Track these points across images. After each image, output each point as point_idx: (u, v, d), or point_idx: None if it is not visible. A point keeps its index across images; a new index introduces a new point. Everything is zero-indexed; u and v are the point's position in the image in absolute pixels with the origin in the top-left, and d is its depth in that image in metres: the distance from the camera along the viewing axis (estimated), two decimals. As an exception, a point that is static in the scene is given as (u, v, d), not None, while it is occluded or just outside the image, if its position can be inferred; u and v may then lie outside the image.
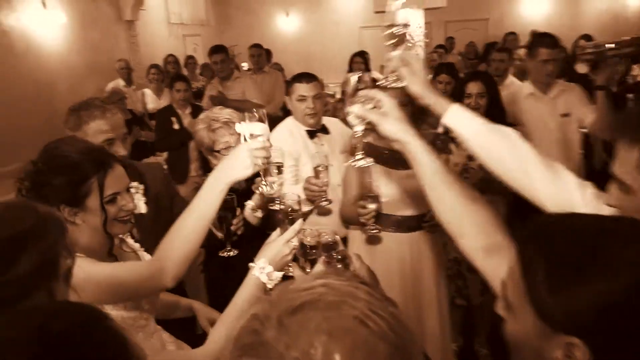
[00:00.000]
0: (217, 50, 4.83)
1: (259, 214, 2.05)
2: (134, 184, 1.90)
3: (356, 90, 1.28)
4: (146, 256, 1.58)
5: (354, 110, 1.27)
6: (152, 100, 5.76)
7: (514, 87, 3.83)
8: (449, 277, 2.72)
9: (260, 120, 1.35)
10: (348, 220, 2.40)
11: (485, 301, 2.86)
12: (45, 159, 1.32)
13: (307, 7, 11.32)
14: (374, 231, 2.09)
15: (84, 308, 0.74)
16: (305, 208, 1.72)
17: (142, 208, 1.97)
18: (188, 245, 1.37)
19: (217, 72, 4.89)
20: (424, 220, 2.30)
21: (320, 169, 2.03)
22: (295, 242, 1.33)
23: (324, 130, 2.63)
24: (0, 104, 4.62)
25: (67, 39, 5.94)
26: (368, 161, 1.38)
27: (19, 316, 0.71)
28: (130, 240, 1.60)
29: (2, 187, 1.88)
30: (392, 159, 2.17)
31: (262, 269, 1.29)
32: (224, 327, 1.28)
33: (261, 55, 5.83)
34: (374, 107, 1.25)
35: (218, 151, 2.19)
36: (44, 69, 5.48)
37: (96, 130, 1.83)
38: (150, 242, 1.66)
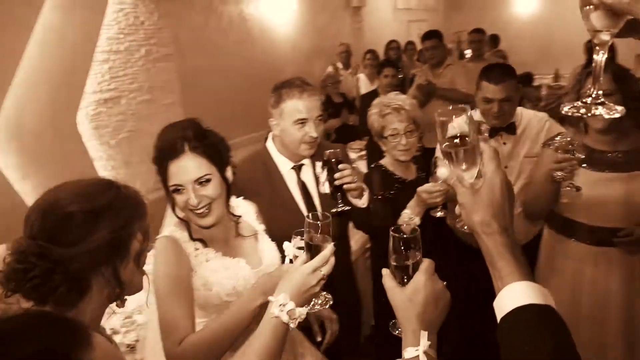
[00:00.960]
0: (430, 35, 4.62)
1: None
2: (319, 163, 1.91)
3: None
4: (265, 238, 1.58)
5: None
6: (365, 85, 5.88)
7: None
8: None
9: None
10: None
11: None
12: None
13: (549, -14, 10.14)
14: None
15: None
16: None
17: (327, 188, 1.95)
18: (220, 350, 1.29)
19: (428, 58, 4.69)
20: (617, 235, 1.98)
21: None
22: (324, 271, 1.10)
23: (510, 129, 2.28)
24: (238, 80, 5.25)
25: (297, 24, 6.43)
26: None
27: None
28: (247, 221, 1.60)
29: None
30: (596, 159, 1.99)
31: (283, 306, 1.08)
32: None
33: (481, 41, 5.41)
34: None
35: (386, 137, 2.12)
36: (275, 52, 6.04)
37: (292, 109, 1.85)
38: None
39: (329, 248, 1.14)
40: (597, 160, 2.02)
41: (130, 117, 4.11)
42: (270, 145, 1.94)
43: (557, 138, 2.01)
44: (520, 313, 0.70)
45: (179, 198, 1.39)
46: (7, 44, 3.08)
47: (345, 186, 1.71)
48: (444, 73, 4.50)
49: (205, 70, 4.84)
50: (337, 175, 1.70)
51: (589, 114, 0.84)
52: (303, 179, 1.95)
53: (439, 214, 1.95)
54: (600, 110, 0.84)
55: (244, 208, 1.64)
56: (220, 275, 1.40)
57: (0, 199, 3.07)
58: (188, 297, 1.33)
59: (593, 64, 0.80)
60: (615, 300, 2.02)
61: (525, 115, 2.38)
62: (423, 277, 0.97)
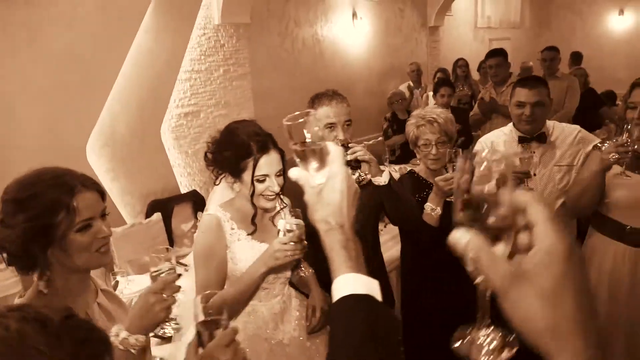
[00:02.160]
0: (493, 54, 4.67)
1: None
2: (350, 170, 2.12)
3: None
4: None
5: None
6: (433, 103, 5.98)
7: None
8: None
9: (297, 217, 1.53)
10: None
11: None
12: (224, 134, 1.67)
13: (646, 2, 9.56)
14: None
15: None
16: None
17: (367, 176, 2.06)
18: (232, 313, 1.52)
19: (491, 76, 4.72)
20: None
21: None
22: (166, 295, 1.16)
23: (541, 138, 2.36)
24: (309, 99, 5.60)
25: (370, 45, 6.68)
26: None
27: None
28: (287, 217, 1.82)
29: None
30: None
31: (117, 336, 1.12)
32: None
33: (554, 59, 5.29)
34: None
35: (419, 146, 2.29)
36: (347, 72, 6.34)
37: (322, 114, 2.04)
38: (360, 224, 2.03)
39: (168, 273, 1.21)
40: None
41: (207, 129, 4.57)
42: None
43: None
44: (341, 303, 0.74)
45: (261, 186, 1.63)
46: (107, 61, 3.63)
47: (360, 158, 1.86)
48: (507, 91, 4.50)
49: (278, 88, 5.24)
50: (349, 152, 1.85)
51: None
52: None
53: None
54: None
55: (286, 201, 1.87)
56: (246, 254, 1.65)
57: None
58: (219, 267, 1.62)
59: None
60: None
61: (557, 127, 2.45)
62: None
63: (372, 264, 2.23)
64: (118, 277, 2.54)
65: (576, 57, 7.29)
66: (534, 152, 2.37)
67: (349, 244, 0.79)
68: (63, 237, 1.17)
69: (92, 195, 1.25)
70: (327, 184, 0.81)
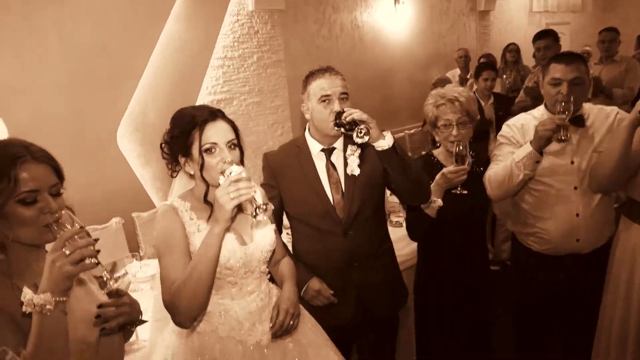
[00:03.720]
0: (541, 35, 4.35)
1: None
2: (353, 147, 1.97)
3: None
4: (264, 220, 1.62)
5: None
6: (474, 88, 5.68)
7: None
8: None
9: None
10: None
11: None
12: (172, 118, 1.56)
13: None
14: None
15: None
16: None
17: (355, 170, 1.99)
18: (198, 288, 1.40)
19: (540, 59, 4.40)
20: None
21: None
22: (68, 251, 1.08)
23: (578, 121, 2.11)
24: (349, 83, 5.46)
25: (413, 31, 6.43)
26: None
27: None
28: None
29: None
30: None
31: (24, 299, 1.08)
32: None
33: (613, 41, 4.87)
34: None
35: (439, 127, 2.14)
36: (388, 59, 6.13)
37: (316, 88, 1.92)
38: (358, 205, 1.94)
39: (72, 231, 1.13)
40: None
41: (240, 116, 4.55)
42: (306, 131, 2.05)
43: None
44: None
45: (211, 159, 1.48)
46: (136, 51, 3.67)
47: (356, 117, 1.69)
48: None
49: (313, 75, 5.14)
50: (345, 114, 1.71)
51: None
52: (334, 162, 2.00)
53: (459, 192, 2.11)
54: None
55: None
56: None
57: (123, 181, 3.66)
58: (181, 252, 1.47)
59: None
60: None
61: (594, 110, 2.20)
62: None
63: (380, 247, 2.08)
64: (127, 264, 2.54)
65: (640, 40, 6.72)
66: (570, 137, 2.13)
67: None
68: (3, 206, 1.13)
69: (40, 168, 1.20)
70: None
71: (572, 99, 1.99)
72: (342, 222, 1.96)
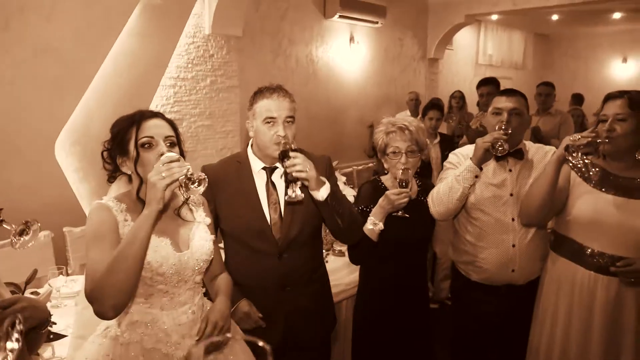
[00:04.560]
0: (485, 82, 4.61)
1: None
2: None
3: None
4: (203, 229, 1.62)
5: None
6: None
7: None
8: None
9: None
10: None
11: None
12: (112, 124, 1.54)
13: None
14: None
15: None
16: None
17: (299, 195, 1.95)
18: (124, 272, 1.32)
19: (482, 105, 4.63)
20: (616, 265, 1.95)
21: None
22: None
23: (518, 154, 2.21)
24: (299, 118, 5.50)
25: (367, 71, 6.64)
26: None
27: None
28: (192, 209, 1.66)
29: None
30: (609, 181, 2.01)
31: None
32: None
33: (549, 95, 5.22)
34: None
35: (388, 154, 2.16)
36: (340, 96, 6.27)
37: (262, 108, 1.89)
38: (297, 228, 1.91)
39: None
40: (609, 182, 2.01)
41: (189, 138, 4.46)
42: (249, 147, 2.02)
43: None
44: None
45: (147, 154, 1.43)
46: (85, 58, 3.55)
47: (295, 174, 1.68)
48: (496, 120, 4.41)
49: (266, 103, 5.16)
50: (287, 163, 1.69)
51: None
52: (274, 181, 1.96)
53: (401, 214, 2.13)
54: None
55: (193, 198, 1.67)
56: None
57: (56, 193, 3.46)
58: (111, 245, 1.37)
59: None
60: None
61: (533, 146, 2.33)
62: None
63: (315, 273, 2.05)
64: (51, 278, 2.37)
65: (577, 99, 7.24)
66: (511, 170, 2.23)
67: None
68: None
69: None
70: None
71: (510, 125, 2.11)
72: (278, 244, 1.91)
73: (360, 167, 6.09)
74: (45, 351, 1.86)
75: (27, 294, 1.96)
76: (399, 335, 2.22)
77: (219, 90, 4.65)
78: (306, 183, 1.72)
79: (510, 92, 2.26)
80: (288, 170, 1.70)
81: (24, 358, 1.29)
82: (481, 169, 2.15)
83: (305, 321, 1.97)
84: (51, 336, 1.82)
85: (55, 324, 1.88)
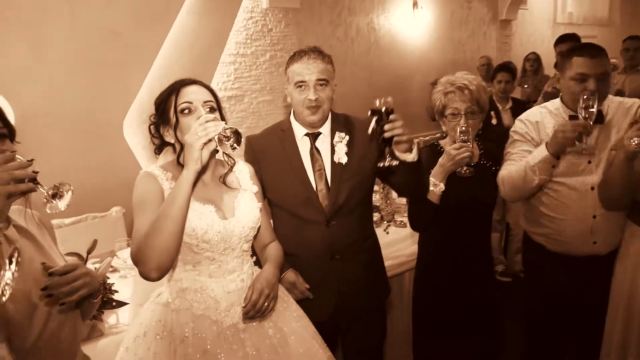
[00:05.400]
0: (564, 39, 4.19)
1: None
2: (341, 134, 1.91)
3: None
4: (249, 197, 1.58)
5: None
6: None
7: None
8: None
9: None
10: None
11: None
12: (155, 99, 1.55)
13: None
14: None
15: None
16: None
17: (343, 158, 1.91)
18: (166, 233, 1.31)
19: (559, 63, 4.25)
20: None
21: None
22: None
23: (598, 117, 1.96)
24: (362, 87, 5.37)
25: (432, 37, 6.34)
26: None
27: None
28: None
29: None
30: None
31: None
32: None
33: (638, 49, 4.70)
34: None
35: (446, 116, 2.05)
36: (404, 63, 6.05)
37: (293, 72, 1.85)
38: (344, 195, 1.86)
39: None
40: None
41: (250, 114, 4.50)
42: (292, 114, 1.97)
43: None
44: None
45: (186, 119, 1.44)
46: (147, 40, 3.65)
47: (395, 138, 1.59)
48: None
49: (327, 76, 5.08)
50: (387, 126, 1.58)
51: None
52: (318, 147, 1.90)
53: (464, 171, 1.99)
54: None
55: (240, 166, 1.67)
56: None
57: (129, 170, 3.62)
58: (153, 214, 1.37)
59: None
60: None
61: (614, 104, 2.05)
62: None
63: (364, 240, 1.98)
64: (118, 250, 2.47)
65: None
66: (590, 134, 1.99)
67: None
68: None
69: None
70: None
71: (597, 96, 1.84)
72: (324, 211, 1.86)
73: (427, 138, 5.87)
74: (110, 317, 1.94)
75: (89, 265, 2.05)
76: (460, 307, 2.10)
77: (279, 65, 4.62)
78: (403, 147, 1.61)
79: (593, 52, 1.95)
80: (387, 135, 1.59)
81: (79, 325, 1.34)
82: (558, 157, 1.92)
83: (357, 290, 1.92)
84: (114, 304, 1.89)
85: (117, 292, 1.96)
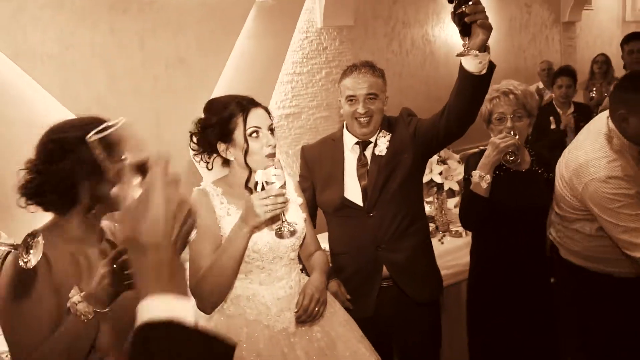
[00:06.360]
0: (635, 37, 3.99)
1: None
2: (385, 131, 2.01)
3: None
4: (295, 209, 1.68)
5: None
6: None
7: None
8: None
9: (277, 167, 1.43)
10: None
11: None
12: (205, 111, 1.62)
13: None
14: None
15: None
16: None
17: (383, 151, 1.99)
18: (220, 279, 1.48)
19: (629, 63, 4.05)
20: None
21: None
22: None
23: None
24: (420, 100, 5.36)
25: (491, 44, 6.21)
26: None
27: None
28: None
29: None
30: None
31: (70, 298, 1.15)
32: None
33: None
34: None
35: (492, 122, 2.04)
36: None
37: (344, 86, 1.97)
38: (380, 178, 1.94)
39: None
40: None
41: (308, 130, 4.64)
42: (345, 125, 2.06)
43: None
44: (139, 330, 0.68)
45: (255, 144, 1.55)
46: (210, 66, 3.88)
47: (479, 22, 1.61)
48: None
49: (383, 90, 5.13)
50: (468, 9, 1.59)
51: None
52: (366, 154, 1.98)
53: (508, 158, 1.99)
54: None
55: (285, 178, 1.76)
56: None
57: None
58: (210, 239, 1.51)
59: None
60: None
61: None
62: None
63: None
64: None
65: None
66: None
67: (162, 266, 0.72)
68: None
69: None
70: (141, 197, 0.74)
71: None
72: (364, 203, 1.95)
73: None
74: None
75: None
76: (515, 313, 2.07)
77: (335, 81, 4.70)
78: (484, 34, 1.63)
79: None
80: (468, 19, 1.62)
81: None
82: None
83: (406, 276, 1.96)
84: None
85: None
